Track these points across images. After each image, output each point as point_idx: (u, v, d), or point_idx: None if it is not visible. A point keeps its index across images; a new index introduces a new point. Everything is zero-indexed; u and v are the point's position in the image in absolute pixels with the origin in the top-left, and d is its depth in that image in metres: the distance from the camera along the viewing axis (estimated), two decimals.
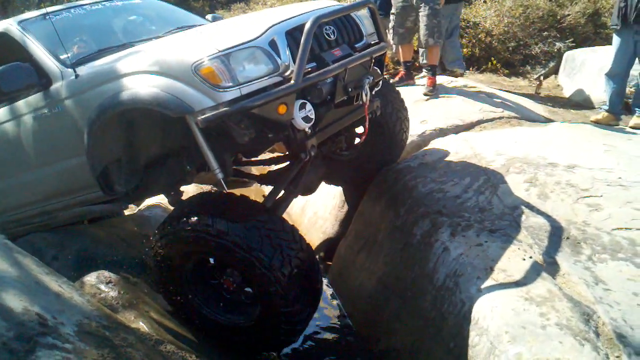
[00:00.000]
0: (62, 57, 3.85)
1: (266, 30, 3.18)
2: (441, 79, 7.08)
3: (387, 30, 6.92)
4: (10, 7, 14.24)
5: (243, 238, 3.11)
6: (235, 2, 16.20)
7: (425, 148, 5.30)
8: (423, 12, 6.33)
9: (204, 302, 3.62)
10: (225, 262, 3.44)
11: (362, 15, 3.94)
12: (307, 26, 3.13)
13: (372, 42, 3.93)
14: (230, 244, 3.12)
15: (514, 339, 2.69)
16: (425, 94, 6.54)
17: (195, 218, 3.22)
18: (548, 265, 3.17)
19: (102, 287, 3.74)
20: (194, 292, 3.62)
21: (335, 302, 4.80)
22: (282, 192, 3.79)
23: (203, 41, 3.26)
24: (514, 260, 3.26)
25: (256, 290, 3.35)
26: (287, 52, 3.19)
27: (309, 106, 3.27)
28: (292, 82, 3.08)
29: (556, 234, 3.43)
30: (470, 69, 8.67)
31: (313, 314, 3.57)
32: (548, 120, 6.16)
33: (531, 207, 3.74)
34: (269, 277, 3.13)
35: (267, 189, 6.84)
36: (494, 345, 2.75)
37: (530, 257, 3.25)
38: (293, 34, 3.26)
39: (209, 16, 5.28)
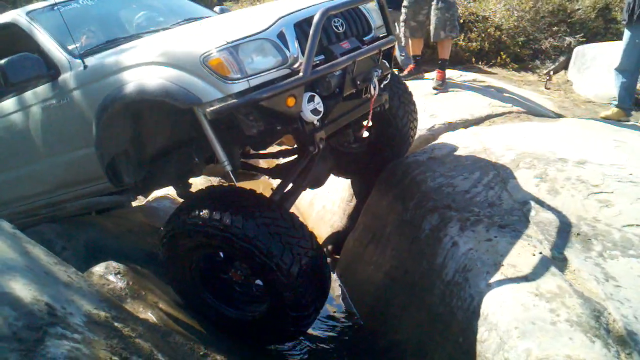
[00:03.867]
0: (70, 47, 3.84)
1: (275, 22, 3.16)
2: (450, 73, 7.05)
3: (396, 24, 6.90)
4: None
5: (253, 235, 3.09)
6: None
7: (434, 142, 5.28)
8: (435, 5, 6.30)
9: (213, 295, 3.63)
10: (233, 257, 3.44)
11: (371, 8, 3.92)
12: (315, 18, 3.12)
13: (381, 35, 3.91)
14: (240, 241, 3.11)
15: (523, 335, 2.68)
16: (434, 88, 6.53)
17: (204, 212, 3.21)
18: (558, 261, 3.15)
19: (111, 277, 3.75)
20: (203, 284, 3.62)
21: (342, 295, 4.80)
22: (291, 185, 3.78)
23: (212, 33, 3.25)
24: (523, 256, 3.23)
25: (264, 285, 3.35)
26: (296, 44, 3.17)
27: (317, 99, 3.25)
28: (300, 74, 3.07)
29: (566, 229, 3.41)
30: (480, 63, 8.63)
31: (321, 309, 3.56)
32: (558, 116, 6.14)
33: (541, 203, 3.71)
34: (277, 274, 3.13)
35: (275, 182, 6.88)
36: (504, 340, 2.73)
37: (540, 253, 3.23)
38: (302, 26, 3.24)
39: (216, 8, 5.28)
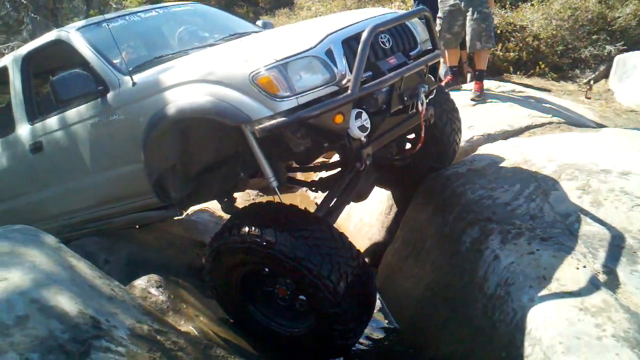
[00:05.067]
0: (118, 64, 3.92)
1: (323, 40, 3.18)
2: (488, 84, 7.01)
3: None
4: (60, 14, 14.62)
5: (303, 255, 3.08)
6: (280, 7, 16.35)
7: (474, 154, 5.24)
8: (471, 17, 6.27)
9: (259, 310, 3.64)
10: (279, 274, 3.43)
11: (416, 23, 3.92)
12: (364, 35, 3.13)
13: (426, 50, 3.90)
14: (288, 259, 3.10)
15: (568, 350, 2.65)
16: (472, 99, 6.49)
17: (251, 230, 3.22)
18: (603, 275, 3.11)
19: (152, 290, 3.80)
20: (249, 300, 3.64)
21: (381, 308, 4.78)
22: (334, 200, 3.78)
23: (260, 50, 3.27)
24: (567, 269, 3.19)
25: (310, 301, 3.34)
26: (344, 61, 3.18)
27: (364, 115, 3.26)
28: (349, 91, 3.07)
29: (611, 242, 3.35)
30: (518, 73, 8.55)
31: (368, 322, 3.56)
32: (599, 126, 6.04)
33: (584, 215, 3.66)
34: (324, 292, 3.11)
35: (313, 195, 6.90)
36: (547, 355, 2.70)
37: (584, 266, 3.18)
38: (349, 43, 3.26)
39: (259, 22, 5.32)
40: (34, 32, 12.27)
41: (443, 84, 6.78)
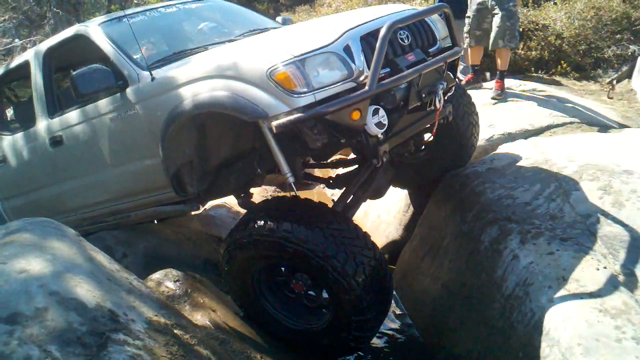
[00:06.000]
0: (137, 59, 3.94)
1: (341, 36, 3.17)
2: (509, 83, 6.95)
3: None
4: (82, 9, 14.73)
5: (320, 245, 3.10)
6: (300, 4, 16.35)
7: (494, 153, 5.20)
8: (497, 15, 6.23)
9: (275, 306, 3.65)
10: (296, 267, 3.45)
11: (436, 19, 3.89)
12: (382, 32, 3.11)
13: (445, 46, 3.87)
14: (306, 250, 3.11)
15: (587, 352, 2.62)
16: (493, 98, 6.44)
17: (271, 223, 3.22)
18: (624, 277, 3.07)
19: (170, 284, 3.83)
20: (265, 294, 3.65)
21: (398, 306, 4.77)
22: (352, 196, 3.77)
23: (278, 46, 3.27)
24: (587, 270, 3.16)
25: (328, 294, 3.35)
26: (362, 58, 3.17)
27: (382, 112, 3.24)
28: (366, 88, 3.05)
29: (632, 244, 3.30)
30: (540, 72, 8.47)
31: (383, 320, 3.55)
32: (621, 126, 5.96)
33: (605, 216, 3.61)
34: (342, 283, 3.12)
35: (330, 192, 6.90)
36: (566, 357, 2.68)
37: (605, 268, 3.14)
38: (367, 39, 3.24)
39: (278, 18, 5.31)
40: (56, 27, 12.37)
41: (464, 82, 6.76)
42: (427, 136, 4.41)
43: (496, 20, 6.27)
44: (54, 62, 4.81)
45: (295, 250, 3.15)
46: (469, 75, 7.03)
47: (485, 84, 7.05)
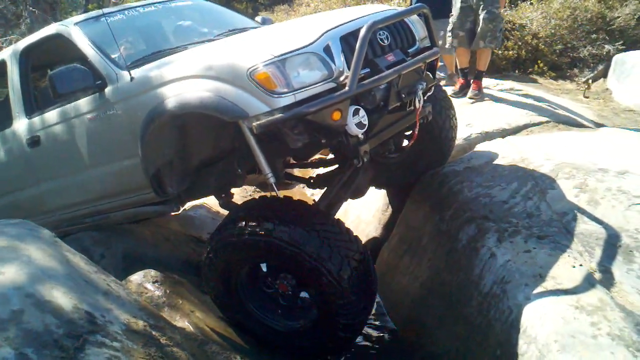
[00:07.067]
0: (116, 59, 3.91)
1: (321, 36, 3.18)
2: (487, 82, 7.00)
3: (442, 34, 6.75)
4: (58, 8, 14.58)
5: (305, 243, 3.10)
6: (279, 4, 16.34)
7: (471, 152, 5.25)
8: (481, 15, 6.25)
9: (257, 307, 3.63)
10: (280, 267, 3.44)
11: (415, 20, 3.91)
12: (362, 32, 3.13)
13: (424, 47, 3.90)
14: (292, 249, 3.11)
15: (563, 348, 2.65)
16: (470, 97, 6.48)
17: (255, 223, 3.22)
18: (599, 274, 3.11)
19: (148, 286, 3.81)
20: (248, 297, 3.63)
21: (378, 306, 4.78)
22: (334, 195, 3.78)
23: (258, 46, 3.28)
24: (563, 268, 3.20)
25: (313, 294, 3.35)
26: (342, 58, 3.18)
27: (362, 112, 3.26)
28: (347, 88, 3.07)
29: (607, 241, 3.35)
30: (517, 71, 8.55)
31: (370, 313, 3.57)
32: (597, 125, 6.04)
33: (581, 214, 3.66)
34: (328, 280, 3.12)
35: (310, 192, 6.90)
36: (543, 354, 2.71)
37: (581, 265, 3.19)
38: (347, 40, 3.26)
39: (258, 18, 5.30)
40: (32, 26, 12.24)
41: (457, 88, 6.72)
42: (407, 134, 4.42)
43: (479, 22, 6.29)
44: (32, 61, 4.75)
45: (278, 248, 3.15)
46: (460, 80, 6.89)
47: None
